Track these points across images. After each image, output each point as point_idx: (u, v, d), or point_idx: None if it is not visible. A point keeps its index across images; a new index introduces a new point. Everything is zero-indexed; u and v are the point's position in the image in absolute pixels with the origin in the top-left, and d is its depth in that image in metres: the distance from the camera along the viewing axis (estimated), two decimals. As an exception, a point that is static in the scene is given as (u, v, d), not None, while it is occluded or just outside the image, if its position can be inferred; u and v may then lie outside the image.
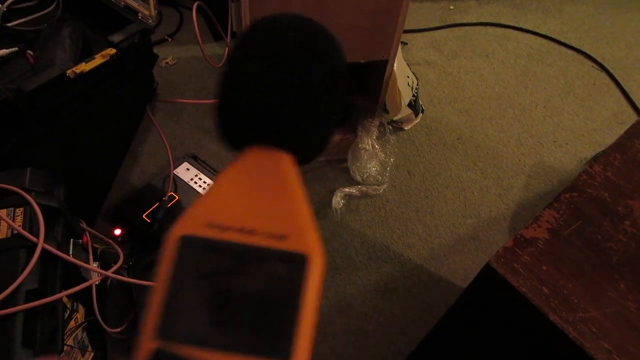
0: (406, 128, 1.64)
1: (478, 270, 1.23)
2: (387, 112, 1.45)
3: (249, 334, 0.25)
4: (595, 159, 1.57)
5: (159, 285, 0.26)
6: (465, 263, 1.39)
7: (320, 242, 0.26)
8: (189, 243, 0.26)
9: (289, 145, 0.30)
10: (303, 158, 0.31)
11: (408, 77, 1.45)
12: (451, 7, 2.09)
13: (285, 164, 0.29)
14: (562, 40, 2.00)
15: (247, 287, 0.25)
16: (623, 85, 1.86)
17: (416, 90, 1.55)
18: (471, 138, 1.66)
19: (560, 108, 1.78)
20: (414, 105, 1.56)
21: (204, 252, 0.26)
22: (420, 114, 1.65)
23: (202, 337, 0.25)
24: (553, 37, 2.01)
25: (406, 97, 1.44)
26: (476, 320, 0.71)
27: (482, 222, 1.47)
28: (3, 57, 1.04)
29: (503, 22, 2.06)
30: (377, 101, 1.38)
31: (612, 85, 1.88)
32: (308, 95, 0.29)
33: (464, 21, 2.04)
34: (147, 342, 0.25)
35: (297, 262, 0.25)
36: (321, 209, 1.45)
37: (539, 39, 2.01)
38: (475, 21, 2.04)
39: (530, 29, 2.04)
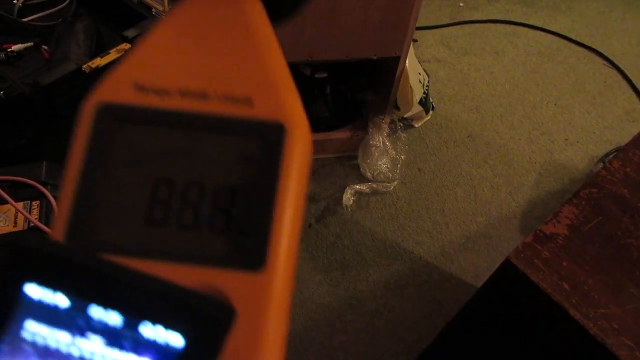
0: (416, 125, 1.64)
1: (489, 268, 1.23)
2: (398, 109, 1.44)
3: (203, 237, 0.18)
4: (607, 156, 1.57)
5: (70, 171, 0.19)
6: (476, 261, 1.38)
7: (301, 107, 0.20)
8: (111, 113, 0.19)
9: None
10: (275, 7, 0.23)
11: (419, 74, 1.45)
12: (461, 4, 2.08)
13: (250, 10, 0.21)
14: (573, 37, 1.99)
15: (198, 172, 0.18)
16: (635, 83, 1.85)
17: (427, 88, 1.54)
18: (482, 135, 1.66)
19: (571, 106, 1.77)
20: (424, 103, 1.55)
21: (133, 125, 0.19)
22: (431, 111, 1.65)
23: (133, 242, 0.18)
24: (564, 34, 2.00)
25: (417, 94, 1.43)
26: (494, 316, 0.71)
27: (492, 220, 1.47)
28: (18, 52, 1.04)
29: (513, 19, 2.05)
30: (389, 98, 1.38)
31: (624, 83, 1.87)
32: None
33: (474, 18, 2.03)
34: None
35: (270, 135, 0.18)
36: (331, 205, 1.45)
37: (550, 36, 2.00)
38: (485, 18, 2.04)
39: (541, 26, 2.03)
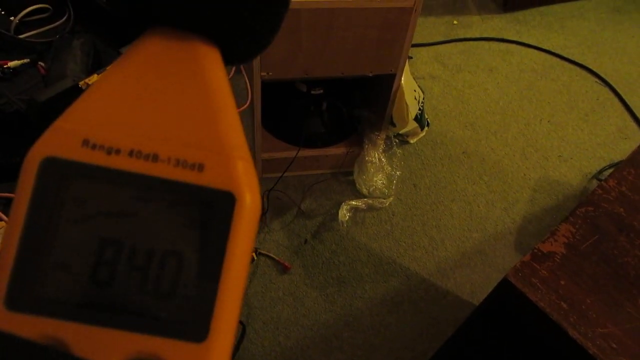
0: (412, 141, 1.65)
1: (485, 285, 1.23)
2: (393, 125, 1.45)
3: (147, 303, 0.18)
4: (601, 173, 1.58)
5: (11, 231, 0.18)
6: (471, 277, 1.38)
7: (252, 176, 0.19)
8: (55, 169, 0.18)
9: (213, 31, 0.20)
10: (233, 54, 0.22)
11: (415, 90, 1.46)
12: (455, 22, 2.11)
13: (206, 59, 0.20)
14: (566, 55, 2.02)
15: (146, 235, 0.18)
16: (627, 101, 1.88)
17: (422, 104, 1.56)
18: (476, 152, 1.67)
19: (564, 123, 1.79)
20: (419, 119, 1.56)
21: (78, 183, 0.18)
22: (426, 128, 1.66)
23: (76, 304, 0.18)
24: (556, 52, 2.03)
25: (413, 110, 1.44)
26: (491, 335, 0.70)
27: (488, 236, 1.47)
28: (14, 69, 1.05)
29: (506, 37, 2.07)
30: (384, 114, 1.38)
31: (616, 101, 1.89)
32: None
33: (468, 36, 2.06)
34: None
35: (219, 203, 0.18)
36: (327, 221, 1.44)
37: (543, 54, 2.03)
38: (478, 36, 2.06)
39: (534, 44, 2.06)
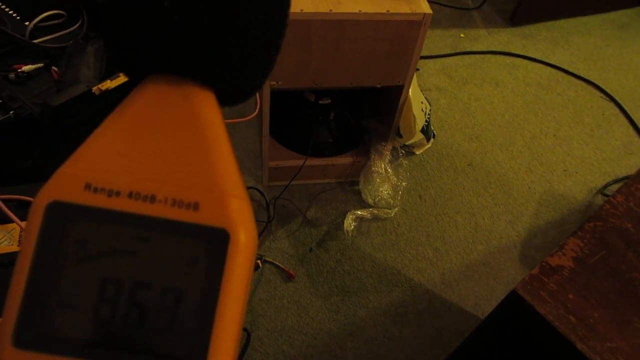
0: (417, 152, 1.66)
1: (489, 298, 1.22)
2: (400, 136, 1.46)
3: (147, 339, 0.19)
4: (606, 188, 1.58)
5: (20, 270, 0.19)
6: (475, 289, 1.38)
7: (247, 213, 0.20)
8: (60, 212, 0.19)
9: (208, 77, 0.21)
10: (228, 96, 0.23)
11: (422, 102, 1.47)
12: (461, 35, 2.12)
13: (202, 103, 0.21)
14: (571, 70, 2.03)
15: (144, 274, 0.19)
16: (632, 117, 1.88)
17: (429, 116, 1.57)
18: (482, 164, 1.67)
19: (569, 137, 1.80)
20: (426, 131, 1.57)
21: (81, 224, 0.19)
22: (432, 139, 1.67)
23: (80, 343, 0.19)
24: (562, 67, 2.04)
25: (420, 122, 1.45)
26: (498, 347, 0.71)
27: (492, 249, 1.47)
28: (28, 73, 1.06)
29: (512, 51, 2.09)
30: (391, 125, 1.39)
31: (621, 116, 1.90)
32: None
33: (474, 49, 2.07)
34: (3, 350, 0.19)
35: (214, 241, 0.19)
36: (332, 230, 1.45)
37: (548, 68, 2.04)
38: (485, 49, 2.08)
39: (540, 58, 2.07)
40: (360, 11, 1.09)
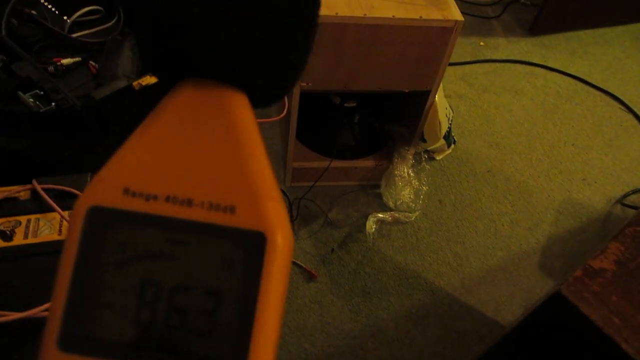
0: (438, 158, 1.67)
1: (509, 303, 1.23)
2: (424, 141, 1.48)
3: (187, 340, 0.19)
4: (625, 198, 1.59)
5: (63, 273, 0.19)
6: (495, 295, 1.39)
7: (283, 215, 0.20)
8: (100, 216, 0.20)
9: (241, 79, 0.22)
10: (261, 98, 0.23)
11: (446, 108, 1.49)
12: (481, 43, 2.14)
13: (235, 105, 0.22)
14: (590, 81, 2.04)
15: (182, 277, 0.19)
16: (650, 128, 1.89)
17: (451, 122, 1.58)
18: (501, 171, 1.68)
19: (588, 146, 1.81)
20: (447, 136, 1.58)
21: (121, 228, 0.20)
22: (452, 145, 1.68)
23: (121, 346, 0.19)
24: (581, 77, 2.06)
25: (444, 128, 1.47)
26: (539, 347, 0.72)
27: (512, 255, 1.48)
28: (67, 66, 1.08)
29: (532, 60, 2.10)
30: (416, 130, 1.41)
31: (639, 127, 1.91)
32: (274, 5, 0.21)
33: (494, 57, 2.09)
34: (48, 353, 0.19)
35: (251, 244, 0.19)
36: (354, 232, 1.46)
37: (567, 78, 2.06)
38: (504, 58, 2.09)
39: (559, 68, 2.08)
40: (393, 16, 1.10)
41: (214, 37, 0.21)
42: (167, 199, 0.20)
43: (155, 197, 0.20)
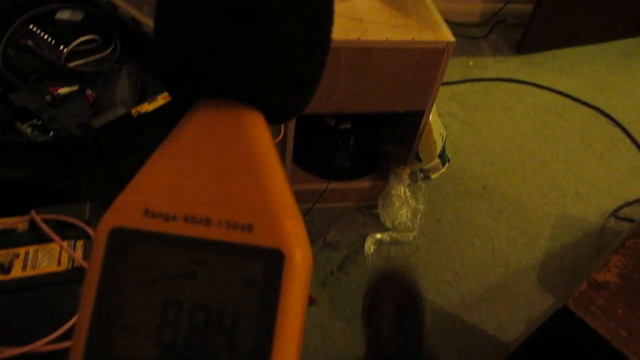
0: (433, 177, 1.68)
1: (510, 320, 1.23)
2: (419, 160, 1.49)
3: (210, 359, 0.19)
4: (618, 211, 1.61)
5: (87, 295, 0.20)
6: (496, 312, 1.39)
7: (301, 232, 0.20)
8: (121, 237, 0.20)
9: (257, 98, 0.22)
10: (276, 116, 0.24)
11: (440, 127, 1.51)
12: (471, 62, 2.18)
13: (251, 124, 0.22)
14: (578, 97, 2.08)
15: (203, 295, 0.19)
16: (638, 142, 1.92)
17: (445, 141, 1.60)
18: (496, 188, 1.70)
19: (580, 161, 1.83)
20: (442, 155, 1.60)
21: (142, 249, 0.20)
22: (447, 163, 1.70)
23: None
24: (569, 94, 2.10)
25: (439, 147, 1.48)
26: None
27: (511, 272, 1.48)
28: (64, 95, 1.08)
29: (520, 78, 2.14)
30: (411, 149, 1.42)
31: (628, 141, 1.94)
32: (285, 23, 0.21)
33: (483, 76, 2.12)
34: None
35: (269, 261, 0.19)
36: (352, 254, 1.46)
37: (556, 95, 2.09)
38: (494, 77, 2.13)
39: (547, 85, 2.12)
40: (387, 39, 1.13)
41: (232, 58, 0.21)
42: (186, 218, 0.20)
43: (174, 218, 0.20)
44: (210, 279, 0.20)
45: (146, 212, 0.20)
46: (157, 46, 0.23)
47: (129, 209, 0.20)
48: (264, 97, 0.22)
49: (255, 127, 0.22)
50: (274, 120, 0.24)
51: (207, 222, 0.20)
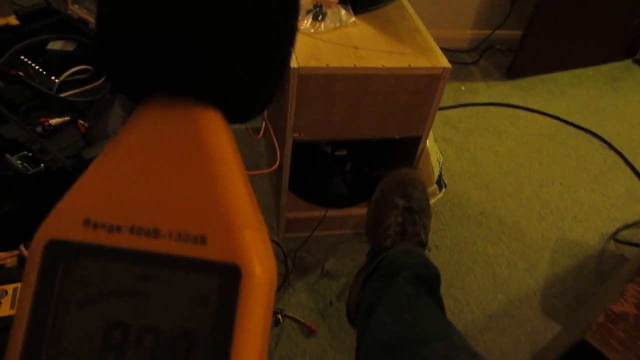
0: (430, 202, 1.66)
1: (514, 349, 1.20)
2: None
3: None
4: (617, 234, 1.60)
5: (19, 316, 0.18)
6: (500, 340, 1.35)
7: (261, 245, 0.18)
8: (59, 251, 0.18)
9: (213, 95, 0.20)
10: (236, 114, 0.21)
11: (437, 152, 1.50)
12: (462, 87, 2.19)
13: (207, 123, 0.19)
14: (570, 120, 2.10)
15: (152, 316, 0.17)
16: (632, 164, 1.93)
17: (441, 166, 1.59)
18: (494, 213, 1.68)
19: (576, 184, 1.83)
20: (438, 180, 1.59)
21: (82, 264, 0.18)
22: (444, 189, 1.68)
23: None
24: (560, 117, 2.11)
25: (436, 172, 1.47)
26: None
27: (513, 298, 1.45)
28: (55, 126, 1.06)
29: (512, 102, 2.16)
30: (408, 175, 1.40)
31: (622, 163, 1.95)
32: (243, 10, 0.18)
33: (475, 101, 2.13)
34: None
35: (225, 277, 0.17)
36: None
37: (548, 118, 2.11)
38: (485, 101, 2.14)
39: (538, 109, 2.14)
40: (382, 66, 1.12)
41: (182, 48, 0.18)
42: (132, 229, 0.18)
43: (118, 229, 0.18)
44: (160, 298, 0.17)
45: (87, 222, 0.18)
46: (100, 30, 0.20)
47: (68, 218, 0.18)
48: (220, 93, 0.19)
49: (212, 126, 0.19)
50: (234, 118, 0.21)
51: (156, 233, 0.18)
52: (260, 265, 0.17)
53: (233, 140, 0.20)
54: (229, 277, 0.17)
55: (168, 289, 0.17)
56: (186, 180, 0.18)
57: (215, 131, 0.19)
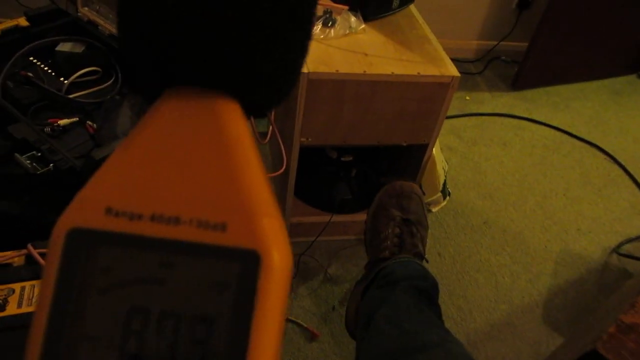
0: (434, 210, 1.67)
1: (516, 359, 1.20)
2: (423, 193, 1.47)
3: None
4: (620, 247, 1.60)
5: (42, 303, 0.18)
6: (502, 351, 1.35)
7: (280, 232, 0.19)
8: (81, 239, 0.18)
9: (233, 86, 0.20)
10: (254, 106, 0.22)
11: (442, 161, 1.50)
12: (467, 97, 2.20)
13: (226, 114, 0.20)
14: (574, 133, 2.10)
15: (172, 301, 0.18)
16: (636, 178, 1.93)
17: (446, 175, 1.59)
18: (497, 222, 1.68)
19: (579, 197, 1.83)
20: (443, 189, 1.59)
21: (103, 251, 0.18)
22: (448, 197, 1.68)
23: None
24: (565, 129, 2.11)
25: (441, 180, 1.47)
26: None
27: (515, 308, 1.45)
28: (64, 127, 1.06)
29: (517, 113, 2.16)
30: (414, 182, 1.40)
31: (626, 177, 1.95)
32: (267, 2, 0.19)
33: (480, 111, 2.14)
34: None
35: (244, 264, 0.18)
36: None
37: (552, 130, 2.11)
38: (490, 112, 2.15)
39: (543, 121, 2.14)
40: (392, 73, 1.13)
41: (204, 40, 0.19)
42: (153, 217, 0.18)
43: (140, 217, 0.18)
44: (180, 284, 0.18)
45: (108, 211, 0.18)
46: (121, 22, 0.20)
47: (89, 207, 0.18)
48: (240, 85, 0.20)
49: (230, 117, 0.20)
50: (251, 111, 0.22)
51: (176, 221, 0.18)
52: (278, 252, 0.18)
53: (250, 132, 0.20)
54: (248, 264, 0.18)
55: (188, 276, 0.18)
56: (207, 168, 0.19)
57: (234, 121, 0.20)
